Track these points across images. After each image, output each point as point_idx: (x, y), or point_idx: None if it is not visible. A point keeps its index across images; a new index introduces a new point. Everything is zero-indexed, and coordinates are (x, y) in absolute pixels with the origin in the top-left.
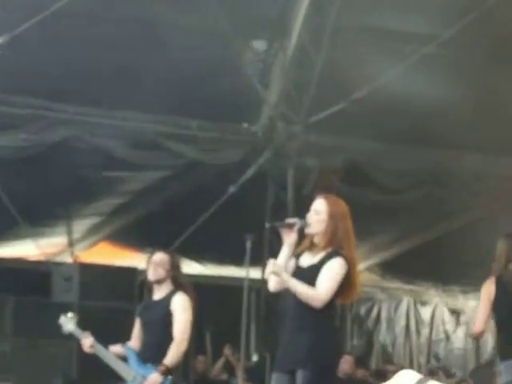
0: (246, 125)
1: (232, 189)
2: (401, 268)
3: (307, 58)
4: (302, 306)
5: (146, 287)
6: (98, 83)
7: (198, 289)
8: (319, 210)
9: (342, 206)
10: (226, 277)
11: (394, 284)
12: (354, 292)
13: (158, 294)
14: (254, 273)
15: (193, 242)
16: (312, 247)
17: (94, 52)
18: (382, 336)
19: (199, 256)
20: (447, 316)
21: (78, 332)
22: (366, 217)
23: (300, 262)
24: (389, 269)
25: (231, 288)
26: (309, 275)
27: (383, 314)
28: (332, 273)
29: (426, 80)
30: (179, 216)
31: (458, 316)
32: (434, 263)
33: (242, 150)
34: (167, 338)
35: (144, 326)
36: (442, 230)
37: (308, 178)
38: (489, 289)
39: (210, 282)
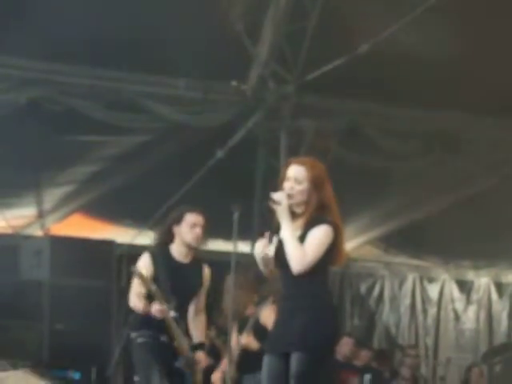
0: (234, 83)
1: (220, 153)
2: (406, 241)
3: (302, 10)
4: (296, 283)
5: None
6: (71, 38)
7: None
8: (300, 179)
9: (322, 169)
10: (211, 251)
11: (399, 259)
12: (341, 258)
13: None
14: (243, 246)
15: None
16: (293, 218)
17: (64, 4)
18: (385, 316)
19: None
20: (457, 294)
21: None
22: (367, 185)
23: (281, 234)
24: (392, 242)
25: (218, 263)
26: None
27: (386, 292)
28: (318, 241)
29: (435, 34)
30: (161, 185)
31: (468, 294)
32: (443, 236)
33: (229, 112)
34: None
35: None
36: (453, 200)
37: (302, 142)
38: None
39: None
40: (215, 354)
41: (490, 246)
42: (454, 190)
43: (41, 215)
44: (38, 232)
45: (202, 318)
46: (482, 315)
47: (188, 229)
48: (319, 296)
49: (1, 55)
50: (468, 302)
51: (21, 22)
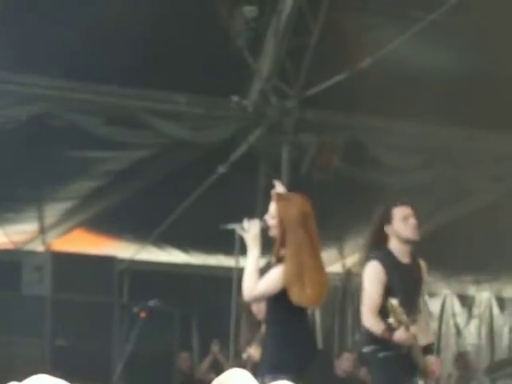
0: (235, 98)
1: (221, 169)
2: None
3: (303, 25)
4: (268, 311)
5: None
6: (72, 53)
7: (183, 279)
8: (272, 214)
9: (295, 209)
10: (213, 266)
11: None
12: (306, 296)
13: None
14: (244, 262)
15: (177, 228)
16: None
17: (64, 19)
18: None
19: (184, 244)
20: (458, 308)
21: None
22: (369, 199)
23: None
24: None
25: (219, 279)
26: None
27: None
28: (268, 279)
29: (437, 49)
30: (162, 200)
31: (470, 308)
32: (445, 251)
33: (231, 127)
34: None
35: None
36: (454, 215)
37: (304, 156)
38: None
39: (196, 272)
40: (218, 369)
41: (491, 260)
42: (455, 204)
43: (42, 231)
44: (39, 247)
45: (425, 316)
46: (484, 330)
47: (402, 223)
48: (283, 324)
49: (3, 71)
50: (469, 316)
51: (22, 38)
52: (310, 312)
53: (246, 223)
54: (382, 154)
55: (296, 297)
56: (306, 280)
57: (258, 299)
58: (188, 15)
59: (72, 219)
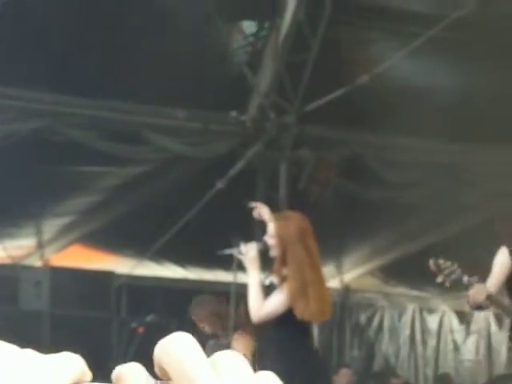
0: (234, 113)
1: (219, 184)
2: (406, 272)
3: (302, 40)
4: (272, 329)
5: None
6: (72, 68)
7: (181, 295)
8: (271, 234)
9: (293, 227)
10: (211, 282)
11: (398, 289)
12: (311, 312)
13: None
14: (243, 277)
15: (175, 243)
16: None
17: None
18: (385, 346)
19: (182, 259)
20: (456, 325)
21: None
22: (367, 215)
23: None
24: (392, 273)
25: (217, 294)
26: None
27: (386, 323)
28: (274, 300)
29: (435, 64)
30: (160, 215)
31: (468, 325)
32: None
33: (229, 142)
34: None
35: None
36: (452, 231)
37: (302, 172)
38: None
39: (194, 288)
40: None
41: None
42: (453, 221)
43: (40, 246)
44: (37, 262)
45: None
46: (482, 346)
47: None
48: (287, 344)
49: (2, 86)
50: (467, 332)
51: (22, 52)
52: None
53: (243, 247)
54: (381, 169)
55: (301, 313)
56: (310, 296)
57: (265, 319)
58: (187, 30)
59: (70, 234)
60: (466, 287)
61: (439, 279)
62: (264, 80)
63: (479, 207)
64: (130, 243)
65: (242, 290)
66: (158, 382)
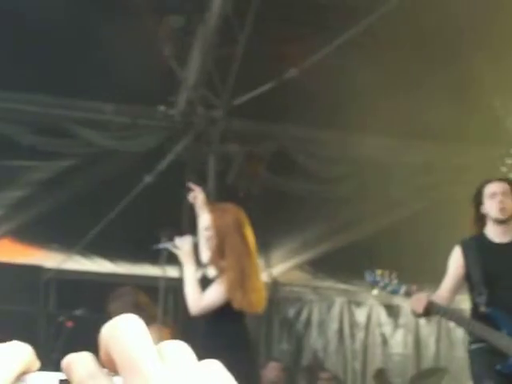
0: (162, 108)
1: (148, 178)
2: (334, 266)
3: (230, 34)
4: (207, 322)
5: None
6: None
7: (110, 289)
8: (207, 226)
9: (230, 217)
10: (140, 276)
11: (326, 283)
12: (249, 303)
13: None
14: (171, 271)
15: (104, 237)
16: None
17: None
18: (313, 340)
19: (111, 253)
20: (384, 318)
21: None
22: (295, 208)
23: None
24: (320, 267)
25: (146, 288)
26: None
27: (314, 317)
28: (214, 291)
29: (362, 60)
30: (89, 209)
31: (396, 318)
32: (371, 260)
33: (158, 136)
34: None
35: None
36: (380, 225)
37: (231, 166)
38: None
39: (123, 282)
40: None
41: (416, 270)
42: (382, 215)
43: None
44: None
45: None
46: (410, 340)
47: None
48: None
49: None
50: (396, 326)
51: None
52: None
53: (177, 240)
54: (309, 163)
55: (239, 304)
56: (247, 287)
57: (205, 311)
58: (114, 24)
59: None
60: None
61: (374, 291)
62: (192, 74)
63: (407, 201)
64: (58, 237)
65: (171, 284)
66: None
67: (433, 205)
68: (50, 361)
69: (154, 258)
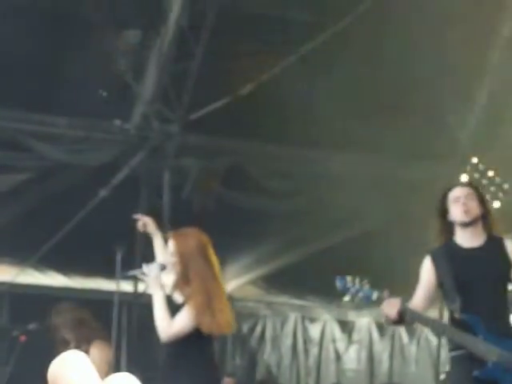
0: (118, 122)
1: (103, 192)
2: (288, 281)
3: (186, 49)
4: (173, 344)
5: None
6: None
7: (63, 303)
8: (171, 251)
9: (192, 241)
10: (94, 290)
11: (280, 299)
12: (217, 327)
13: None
14: (125, 286)
15: (57, 251)
16: None
17: None
18: (267, 356)
19: (64, 267)
20: (338, 334)
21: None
22: (249, 224)
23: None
24: (274, 282)
25: (100, 302)
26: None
27: (268, 332)
28: (182, 318)
29: (316, 75)
30: (43, 223)
31: (350, 334)
32: (325, 276)
33: (113, 150)
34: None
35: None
36: (335, 240)
37: (186, 181)
38: None
39: (77, 296)
40: None
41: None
42: (337, 229)
43: None
44: None
45: None
46: (363, 355)
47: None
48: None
49: None
50: (349, 342)
51: None
52: None
53: (145, 267)
54: (262, 178)
55: (208, 326)
56: (215, 308)
57: (175, 338)
58: (70, 38)
59: None
60: (378, 303)
61: (346, 298)
62: (148, 88)
63: (360, 216)
64: (11, 251)
65: (124, 298)
66: None
67: (386, 220)
68: (4, 374)
69: (108, 272)
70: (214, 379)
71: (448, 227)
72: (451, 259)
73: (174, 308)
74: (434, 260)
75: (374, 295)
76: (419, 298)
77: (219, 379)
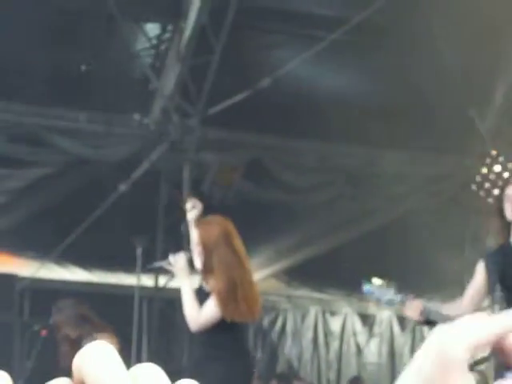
0: (137, 116)
1: (122, 187)
2: (309, 274)
3: (206, 43)
4: (203, 333)
5: None
6: None
7: (84, 298)
8: (196, 242)
9: (216, 230)
10: (114, 284)
11: (301, 292)
12: (247, 313)
13: None
14: (146, 280)
15: (78, 246)
16: None
17: None
18: (288, 349)
19: (85, 262)
20: (359, 327)
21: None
22: (270, 217)
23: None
24: (295, 275)
25: (121, 297)
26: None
27: (289, 325)
28: (209, 308)
29: (336, 69)
30: (64, 218)
31: (371, 327)
32: (346, 269)
33: (132, 145)
34: None
35: None
36: (355, 234)
37: (206, 175)
38: None
39: (97, 291)
40: None
41: (392, 279)
42: (356, 224)
43: None
44: None
45: None
46: (385, 349)
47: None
48: (220, 345)
49: None
50: (370, 335)
51: None
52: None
53: (171, 258)
54: (282, 173)
55: (230, 314)
56: (238, 296)
57: (204, 327)
58: (89, 32)
59: None
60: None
61: (373, 300)
62: (167, 83)
63: (380, 210)
64: (33, 246)
65: (145, 293)
66: None
67: (407, 214)
68: (24, 369)
69: (129, 266)
70: (247, 367)
71: (506, 226)
72: (505, 264)
73: (204, 297)
74: (487, 265)
75: (398, 298)
76: (468, 297)
77: (253, 366)
